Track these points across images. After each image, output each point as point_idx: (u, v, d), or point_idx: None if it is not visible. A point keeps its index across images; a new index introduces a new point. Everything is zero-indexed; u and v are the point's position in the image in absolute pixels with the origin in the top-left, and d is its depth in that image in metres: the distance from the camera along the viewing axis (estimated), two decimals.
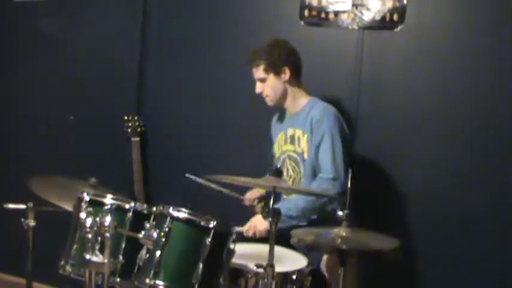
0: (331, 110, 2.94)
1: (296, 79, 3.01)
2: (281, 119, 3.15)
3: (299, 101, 3.03)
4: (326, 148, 2.85)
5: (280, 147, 3.09)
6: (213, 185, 3.08)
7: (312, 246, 2.59)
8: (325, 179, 2.82)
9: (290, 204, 2.82)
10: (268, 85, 2.99)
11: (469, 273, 3.00)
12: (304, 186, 2.93)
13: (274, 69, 2.95)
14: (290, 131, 3.03)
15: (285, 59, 2.96)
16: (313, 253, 2.63)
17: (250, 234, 2.79)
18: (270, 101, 3.03)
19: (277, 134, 3.13)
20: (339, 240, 2.25)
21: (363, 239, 2.34)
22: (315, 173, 2.90)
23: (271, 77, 2.97)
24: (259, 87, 3.01)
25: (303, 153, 2.95)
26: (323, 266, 2.69)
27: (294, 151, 3.00)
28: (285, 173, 3.02)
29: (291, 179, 3.00)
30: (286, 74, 2.96)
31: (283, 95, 3.01)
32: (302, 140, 2.96)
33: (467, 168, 3.03)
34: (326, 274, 2.68)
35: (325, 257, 2.67)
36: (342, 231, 2.29)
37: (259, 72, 2.98)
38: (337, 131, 2.87)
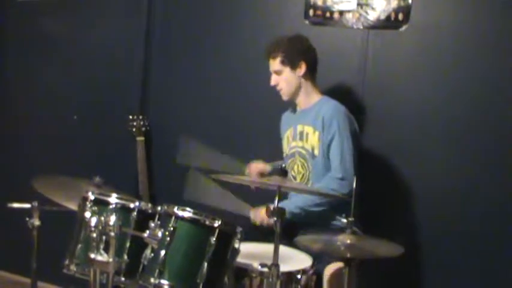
0: (342, 109, 2.93)
1: (311, 76, 3.01)
2: (291, 115, 3.15)
3: (311, 98, 3.03)
4: (336, 148, 2.86)
5: (289, 143, 3.08)
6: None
7: (317, 254, 2.57)
8: (334, 178, 2.82)
9: (303, 198, 2.85)
10: (283, 78, 2.98)
11: (476, 276, 2.99)
12: (310, 187, 2.93)
13: (291, 62, 2.95)
14: (299, 128, 3.02)
15: (303, 53, 2.97)
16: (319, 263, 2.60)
17: (257, 220, 2.83)
18: (283, 94, 3.02)
19: (286, 130, 3.12)
20: (342, 248, 2.25)
21: (368, 246, 2.34)
22: (326, 170, 2.90)
23: (287, 70, 2.97)
24: (274, 80, 3.01)
25: (312, 150, 2.94)
26: (325, 282, 2.63)
27: (303, 147, 2.99)
28: (294, 169, 3.03)
29: (300, 175, 3.01)
30: (302, 69, 2.96)
31: (297, 90, 3.01)
32: (312, 137, 2.95)
33: (471, 168, 3.02)
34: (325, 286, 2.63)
35: (328, 271, 2.62)
36: (346, 238, 2.28)
37: (275, 64, 2.97)
38: (347, 130, 2.88)
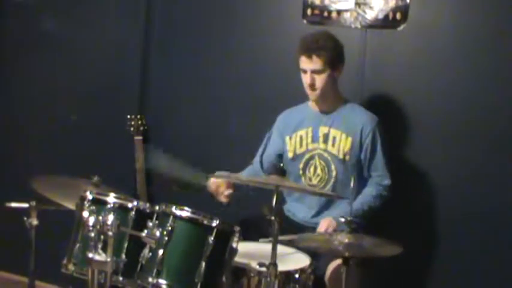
0: (376, 118, 2.95)
1: (338, 80, 2.98)
2: (301, 115, 3.06)
3: (336, 102, 2.99)
4: (380, 155, 2.92)
5: (305, 145, 3.00)
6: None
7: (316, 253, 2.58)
8: (384, 186, 2.92)
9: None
10: (322, 78, 2.89)
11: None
12: (320, 189, 2.93)
13: (333, 64, 2.89)
14: (323, 129, 2.97)
15: (343, 56, 2.95)
16: (319, 262, 2.60)
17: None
18: (316, 95, 2.93)
19: (296, 130, 3.03)
20: (341, 247, 2.26)
21: (366, 245, 2.34)
22: (351, 176, 2.83)
23: (328, 71, 2.89)
24: (311, 78, 2.88)
25: (344, 155, 2.91)
26: (326, 279, 2.64)
27: (325, 150, 2.95)
28: (311, 171, 2.98)
29: (318, 178, 2.97)
30: (339, 73, 2.94)
31: (328, 92, 2.94)
32: (343, 142, 2.92)
33: (469, 167, 3.04)
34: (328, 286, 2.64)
35: (330, 268, 2.63)
36: (344, 237, 2.29)
37: (319, 63, 2.87)
38: (383, 139, 2.93)
